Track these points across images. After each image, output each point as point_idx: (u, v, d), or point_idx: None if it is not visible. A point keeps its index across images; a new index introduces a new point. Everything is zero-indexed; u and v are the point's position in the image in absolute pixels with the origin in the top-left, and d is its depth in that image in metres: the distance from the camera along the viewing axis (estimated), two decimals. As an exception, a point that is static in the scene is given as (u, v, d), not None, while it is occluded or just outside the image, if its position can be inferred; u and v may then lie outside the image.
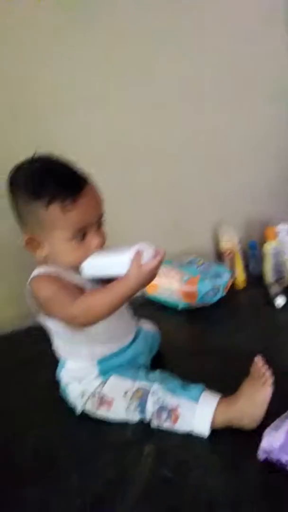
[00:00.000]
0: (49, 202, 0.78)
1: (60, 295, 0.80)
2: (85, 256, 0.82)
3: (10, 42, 1.20)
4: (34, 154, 0.82)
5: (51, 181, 0.78)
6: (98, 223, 0.84)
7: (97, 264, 0.82)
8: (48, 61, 1.24)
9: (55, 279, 0.83)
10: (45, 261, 0.86)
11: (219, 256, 1.56)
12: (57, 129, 1.26)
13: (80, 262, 0.82)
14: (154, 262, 0.75)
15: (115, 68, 1.33)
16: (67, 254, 0.82)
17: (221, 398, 0.80)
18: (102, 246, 0.84)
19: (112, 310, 0.79)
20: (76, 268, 0.84)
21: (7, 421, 0.96)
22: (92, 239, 0.82)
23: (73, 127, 1.29)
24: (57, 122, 1.27)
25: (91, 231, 0.82)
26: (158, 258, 0.76)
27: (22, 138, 1.15)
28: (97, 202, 0.84)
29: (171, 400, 0.82)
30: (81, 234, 0.81)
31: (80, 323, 0.81)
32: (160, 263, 0.76)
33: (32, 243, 0.83)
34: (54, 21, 1.24)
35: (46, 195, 0.77)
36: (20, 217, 0.83)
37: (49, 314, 0.85)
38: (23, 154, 0.82)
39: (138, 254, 0.76)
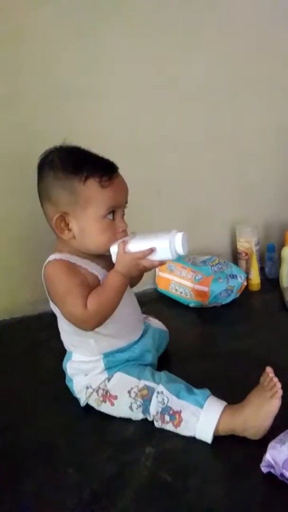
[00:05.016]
0: (87, 177, 0.80)
1: (74, 295, 0.80)
2: (113, 238, 0.83)
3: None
4: (63, 143, 0.84)
5: (90, 159, 0.83)
6: (123, 210, 0.86)
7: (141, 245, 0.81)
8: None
9: (73, 272, 0.82)
10: (67, 246, 0.85)
11: (235, 257, 1.53)
12: (81, 118, 1.24)
13: (107, 245, 0.83)
14: (139, 254, 0.80)
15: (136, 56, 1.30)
16: (97, 233, 0.83)
17: (226, 406, 0.79)
18: (126, 233, 0.86)
19: (117, 304, 0.82)
20: (96, 256, 0.85)
21: (9, 408, 0.96)
22: (120, 223, 0.85)
23: (94, 116, 1.27)
24: (78, 112, 1.25)
25: (119, 214, 0.85)
26: (145, 252, 0.80)
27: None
28: (126, 187, 0.87)
29: (175, 402, 0.81)
30: (112, 214, 0.83)
31: (91, 326, 0.82)
32: (143, 255, 0.80)
33: (61, 223, 0.83)
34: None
35: (84, 170, 0.80)
36: (51, 197, 0.82)
37: (58, 307, 0.84)
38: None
39: (124, 243, 0.81)
